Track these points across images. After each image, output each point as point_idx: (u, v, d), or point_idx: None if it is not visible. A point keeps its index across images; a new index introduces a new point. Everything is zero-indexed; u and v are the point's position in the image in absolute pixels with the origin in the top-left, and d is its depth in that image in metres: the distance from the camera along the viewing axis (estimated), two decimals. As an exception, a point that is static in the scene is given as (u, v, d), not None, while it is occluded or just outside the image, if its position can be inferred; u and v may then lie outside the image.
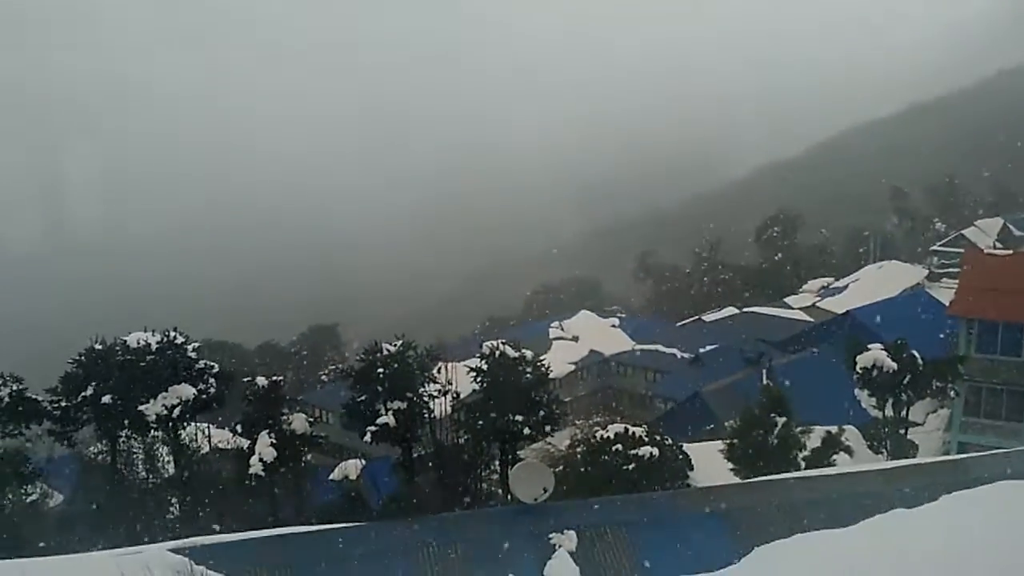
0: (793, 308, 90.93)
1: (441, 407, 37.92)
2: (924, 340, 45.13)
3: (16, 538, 30.18)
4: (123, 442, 36.20)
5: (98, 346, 35.29)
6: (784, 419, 32.67)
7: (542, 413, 36.11)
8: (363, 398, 35.54)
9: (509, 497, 24.93)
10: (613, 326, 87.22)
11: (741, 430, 33.62)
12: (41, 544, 28.93)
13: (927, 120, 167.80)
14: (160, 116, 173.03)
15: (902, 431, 41.05)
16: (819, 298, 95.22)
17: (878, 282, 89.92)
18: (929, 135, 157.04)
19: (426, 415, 36.53)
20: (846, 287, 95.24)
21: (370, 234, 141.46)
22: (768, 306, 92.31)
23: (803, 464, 32.36)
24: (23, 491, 33.13)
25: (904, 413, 40.97)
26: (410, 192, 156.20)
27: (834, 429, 35.15)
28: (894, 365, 39.30)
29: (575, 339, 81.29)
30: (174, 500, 36.21)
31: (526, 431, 35.57)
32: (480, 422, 35.56)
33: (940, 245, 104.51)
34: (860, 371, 39.99)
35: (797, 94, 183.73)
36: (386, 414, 34.65)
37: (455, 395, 37.72)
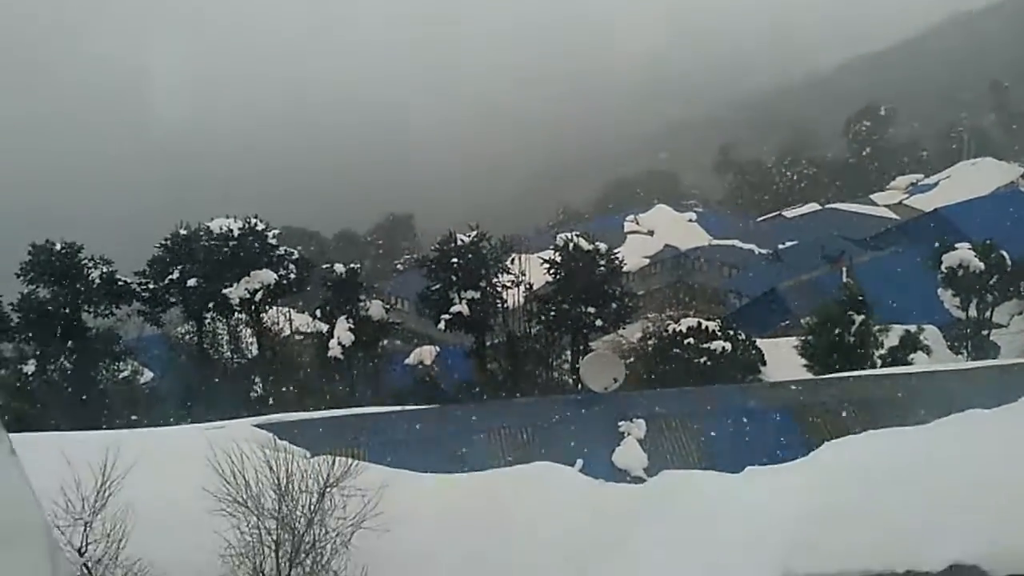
0: (879, 205, 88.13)
1: (514, 297, 38.32)
2: (1016, 240, 43.45)
3: (110, 411, 31.97)
4: (209, 324, 37.63)
5: (183, 232, 36.40)
6: (862, 317, 32.06)
7: (614, 305, 36.23)
8: (437, 287, 36.11)
9: (580, 387, 25.27)
10: (690, 220, 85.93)
11: (817, 327, 33.15)
12: (133, 417, 30.55)
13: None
14: (238, 10, 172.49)
15: (984, 332, 40.04)
16: (907, 196, 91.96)
17: (970, 180, 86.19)
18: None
19: (499, 305, 36.99)
20: (936, 184, 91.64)
21: (448, 126, 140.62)
22: (853, 203, 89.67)
23: (879, 363, 31.88)
24: (115, 367, 34.86)
25: (988, 314, 39.91)
26: (489, 84, 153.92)
27: (913, 328, 34.40)
28: (981, 265, 38.08)
29: (650, 233, 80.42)
30: (257, 379, 37.68)
31: (598, 323, 35.80)
32: (552, 313, 35.88)
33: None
34: (945, 271, 38.88)
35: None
36: (460, 303, 35.20)
37: (528, 286, 38.03)
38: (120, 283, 35.30)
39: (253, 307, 36.39)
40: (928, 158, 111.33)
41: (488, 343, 37.83)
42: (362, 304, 36.90)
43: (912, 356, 32.80)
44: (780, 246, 73.48)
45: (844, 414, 19.20)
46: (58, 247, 34.14)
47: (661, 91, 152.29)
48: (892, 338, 33.38)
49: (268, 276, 35.71)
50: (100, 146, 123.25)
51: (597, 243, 36.78)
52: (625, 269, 40.10)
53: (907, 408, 17.97)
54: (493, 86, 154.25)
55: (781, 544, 12.27)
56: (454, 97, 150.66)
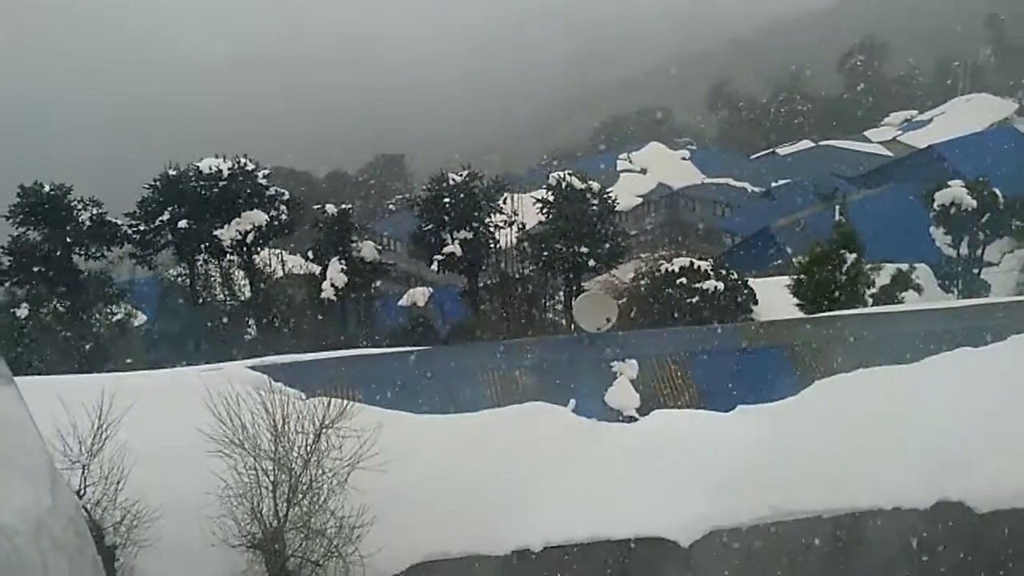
0: (872, 142, 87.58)
1: (507, 238, 38.23)
2: (1008, 177, 43.33)
3: (104, 354, 32.00)
4: (201, 265, 37.45)
5: (172, 172, 35.99)
6: (854, 255, 32.09)
7: (607, 245, 36.19)
8: (430, 227, 35.99)
9: (573, 327, 25.38)
10: (683, 159, 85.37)
11: (809, 266, 33.14)
12: (128, 360, 30.60)
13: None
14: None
15: (976, 270, 40.20)
16: (901, 132, 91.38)
17: (965, 116, 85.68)
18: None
19: (492, 245, 36.92)
20: (931, 120, 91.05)
21: (439, 64, 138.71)
22: (847, 140, 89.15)
23: (871, 301, 32.01)
24: (108, 310, 34.78)
25: (979, 252, 40.00)
26: (480, 22, 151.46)
27: (905, 266, 34.52)
28: (973, 203, 38.06)
29: (643, 171, 79.95)
30: (251, 321, 37.71)
31: (591, 263, 35.81)
32: (545, 253, 35.83)
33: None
34: (937, 208, 38.87)
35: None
36: (452, 243, 35.13)
37: (521, 226, 37.92)
38: (111, 224, 35.01)
39: (245, 248, 36.21)
40: (923, 94, 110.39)
41: (481, 284, 37.86)
42: (354, 245, 36.78)
43: (903, 295, 32.96)
44: (773, 184, 73.30)
45: (835, 353, 19.35)
46: (47, 189, 33.73)
47: (654, 27, 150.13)
48: (884, 277, 33.48)
49: (259, 217, 35.47)
50: (87, 87, 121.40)
51: (590, 182, 36.60)
52: (618, 208, 39.97)
53: (898, 346, 18.11)
54: (488, 25, 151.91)
55: (771, 481, 12.48)
56: (444, 35, 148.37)
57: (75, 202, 34.10)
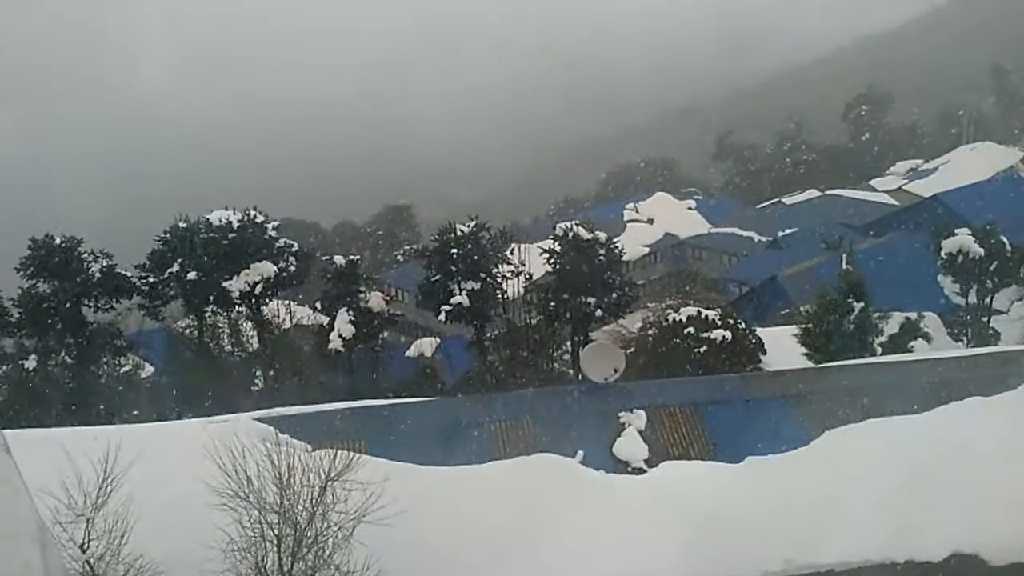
0: (878, 191, 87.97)
1: (514, 288, 38.30)
2: (1015, 225, 43.32)
3: (111, 406, 31.96)
4: (209, 317, 37.57)
5: (182, 224, 36.32)
6: (862, 304, 32.05)
7: (614, 295, 36.20)
8: (437, 278, 36.09)
9: (580, 377, 25.28)
10: (689, 208, 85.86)
11: (817, 314, 33.12)
12: (135, 412, 30.56)
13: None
14: (239, 1, 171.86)
15: (984, 319, 40.01)
16: (906, 181, 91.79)
17: (970, 164, 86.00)
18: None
19: (499, 295, 36.98)
20: (936, 169, 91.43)
21: (447, 116, 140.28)
22: (852, 189, 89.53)
23: (880, 350, 31.88)
24: (116, 362, 34.85)
25: (988, 300, 39.85)
26: (485, 73, 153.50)
27: (913, 315, 34.40)
28: (981, 251, 38.02)
29: (650, 221, 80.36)
30: (258, 373, 37.69)
31: (598, 313, 35.79)
32: (552, 303, 35.86)
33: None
34: (945, 256, 38.82)
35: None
36: (460, 294, 35.19)
37: (528, 276, 38.00)
38: (120, 277, 35.23)
39: (253, 300, 36.34)
40: (928, 143, 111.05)
41: (488, 334, 37.84)
42: (362, 296, 36.90)
43: (912, 343, 32.81)
44: (780, 233, 73.48)
45: (844, 403, 19.20)
46: (58, 241, 34.04)
47: (660, 78, 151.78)
48: (892, 325, 33.38)
49: (268, 268, 35.65)
50: (101, 140, 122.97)
51: (597, 232, 36.73)
52: (625, 258, 40.07)
53: (908, 396, 17.98)
54: (493, 76, 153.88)
55: (782, 535, 12.31)
56: (453, 87, 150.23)
57: (85, 254, 34.37)
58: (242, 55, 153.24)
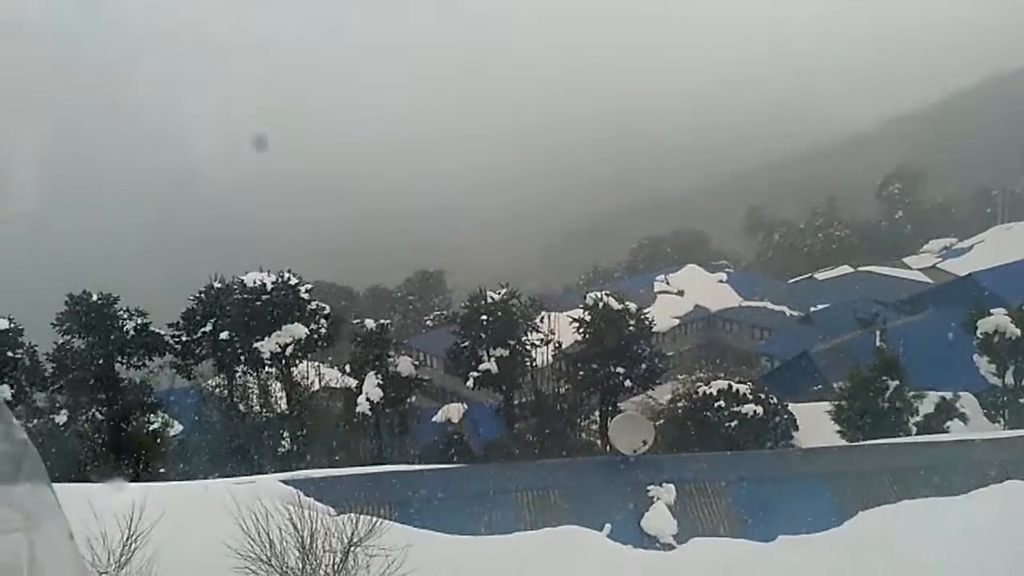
0: (912, 269, 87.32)
1: (543, 356, 38.22)
2: (1053, 306, 42.71)
3: (139, 463, 32.02)
4: (239, 377, 37.79)
5: (217, 284, 36.83)
6: (896, 382, 31.58)
7: (644, 366, 36.05)
8: (466, 344, 36.16)
9: (608, 448, 25.01)
10: (720, 281, 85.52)
11: (850, 392, 32.67)
12: (162, 470, 30.58)
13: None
14: (266, 61, 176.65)
15: (1022, 400, 39.22)
16: (940, 259, 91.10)
17: (1005, 244, 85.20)
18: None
19: (528, 363, 36.93)
20: (970, 248, 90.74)
21: (479, 186, 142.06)
22: (885, 266, 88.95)
23: (914, 430, 31.29)
24: (146, 419, 35.02)
25: (1025, 382, 39.11)
26: (520, 144, 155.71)
27: (949, 395, 33.83)
28: (1017, 331, 37.44)
29: (680, 293, 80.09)
30: (286, 434, 37.66)
31: (627, 383, 35.60)
32: (581, 372, 35.75)
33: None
34: (980, 336, 38.25)
35: (925, 42, 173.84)
36: (489, 360, 35.20)
37: (557, 345, 37.94)
38: (154, 335, 35.65)
39: (284, 361, 36.55)
40: (961, 221, 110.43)
41: (516, 402, 37.68)
42: (391, 360, 36.98)
43: (948, 423, 32.18)
44: (812, 309, 72.86)
45: (879, 483, 18.79)
46: (94, 298, 34.61)
47: (694, 152, 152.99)
48: (927, 405, 32.81)
49: (299, 330, 35.90)
50: (136, 205, 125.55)
51: (627, 303, 36.74)
52: (655, 329, 39.94)
53: (945, 477, 17.57)
54: (524, 147, 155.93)
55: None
56: (486, 159, 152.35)
57: (121, 311, 34.86)
58: (278, 124, 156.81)
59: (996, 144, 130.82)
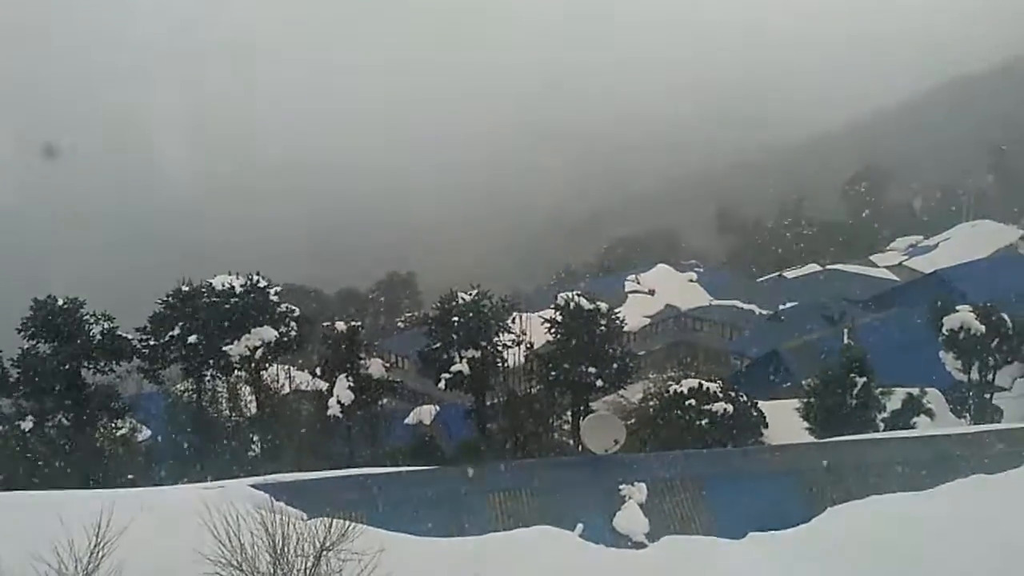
0: (879, 267, 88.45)
1: (515, 357, 38.21)
2: (1015, 303, 43.45)
3: (106, 469, 31.64)
4: (208, 381, 37.38)
5: (185, 288, 36.40)
6: (864, 379, 31.95)
7: (615, 366, 36.15)
8: (438, 345, 36.07)
9: (580, 448, 25.07)
10: (690, 280, 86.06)
11: (819, 389, 33.02)
12: (130, 476, 30.23)
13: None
14: (238, 66, 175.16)
15: (987, 395, 39.83)
16: (906, 257, 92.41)
17: (970, 242, 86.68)
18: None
19: (500, 364, 36.88)
20: (936, 246, 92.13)
21: (449, 186, 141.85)
22: (853, 264, 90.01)
23: (882, 426, 31.70)
24: (113, 425, 34.60)
25: (990, 377, 39.70)
26: (490, 144, 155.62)
27: (916, 391, 34.28)
28: (982, 328, 38.03)
29: (651, 293, 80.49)
30: (256, 438, 37.33)
31: (599, 383, 35.69)
32: (553, 373, 35.78)
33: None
34: (946, 333, 38.81)
35: (892, 43, 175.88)
36: (460, 362, 35.13)
37: (529, 345, 37.95)
38: (121, 339, 35.18)
39: (253, 364, 36.21)
40: (927, 220, 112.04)
41: (488, 403, 37.64)
42: (362, 362, 36.78)
43: (915, 419, 32.61)
44: (781, 307, 73.52)
45: (847, 479, 19.00)
46: (60, 303, 34.09)
47: (664, 152, 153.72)
48: (894, 401, 33.23)
49: (269, 333, 35.61)
50: (105, 207, 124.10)
51: (598, 302, 36.82)
52: (626, 329, 40.08)
53: (911, 473, 17.81)
54: (494, 147, 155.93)
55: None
56: (457, 159, 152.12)
57: (87, 316, 34.37)
58: (245, 125, 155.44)
59: (961, 143, 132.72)
